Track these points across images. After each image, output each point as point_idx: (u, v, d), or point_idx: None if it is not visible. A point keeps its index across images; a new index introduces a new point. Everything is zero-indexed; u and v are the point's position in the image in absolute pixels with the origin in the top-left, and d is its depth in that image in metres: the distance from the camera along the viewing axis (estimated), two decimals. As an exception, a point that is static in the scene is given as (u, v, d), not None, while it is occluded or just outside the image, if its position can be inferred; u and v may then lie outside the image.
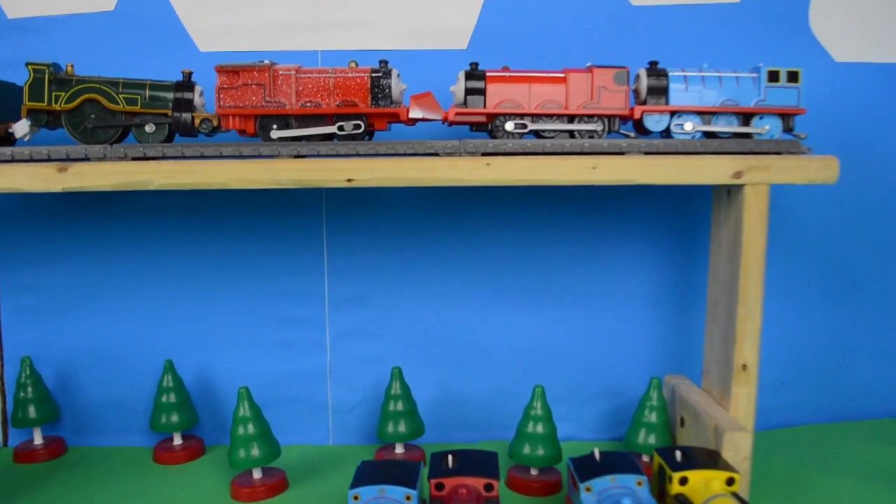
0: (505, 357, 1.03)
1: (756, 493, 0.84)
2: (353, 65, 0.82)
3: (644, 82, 0.83)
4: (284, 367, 1.02)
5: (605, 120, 0.82)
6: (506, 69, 0.83)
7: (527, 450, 0.87)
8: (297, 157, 0.81)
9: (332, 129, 0.81)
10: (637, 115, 0.82)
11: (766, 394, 1.04)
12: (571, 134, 0.83)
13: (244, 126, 0.82)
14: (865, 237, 1.04)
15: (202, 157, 0.81)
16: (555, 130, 0.82)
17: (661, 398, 0.92)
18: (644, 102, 0.83)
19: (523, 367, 1.02)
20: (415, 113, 0.82)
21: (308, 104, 0.80)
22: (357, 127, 0.80)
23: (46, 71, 0.80)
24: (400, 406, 0.94)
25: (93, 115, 0.81)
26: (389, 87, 0.81)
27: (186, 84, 0.83)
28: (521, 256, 1.02)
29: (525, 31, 0.97)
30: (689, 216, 1.00)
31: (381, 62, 0.82)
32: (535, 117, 0.82)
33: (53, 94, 0.80)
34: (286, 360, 1.02)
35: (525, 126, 0.81)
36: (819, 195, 1.02)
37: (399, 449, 0.96)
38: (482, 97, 0.82)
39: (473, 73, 0.83)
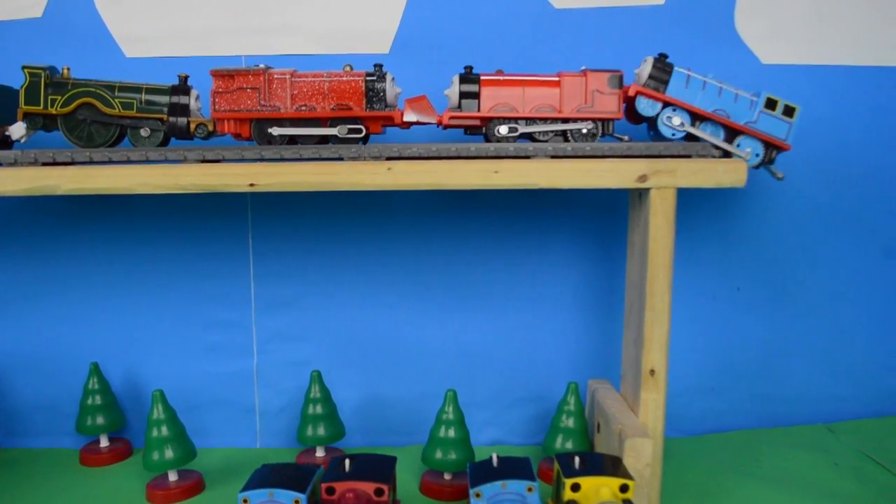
0: (431, 361, 1.02)
1: (666, 499, 0.83)
2: (347, 68, 0.82)
3: (648, 68, 0.82)
4: (212, 370, 1.02)
5: (599, 123, 0.82)
6: (500, 73, 0.83)
7: (439, 455, 0.87)
8: (202, 161, 0.81)
9: (333, 130, 0.81)
10: (631, 93, 0.82)
11: (697, 399, 1.04)
12: (565, 137, 0.82)
13: (239, 130, 0.82)
14: (796, 240, 1.02)
15: (110, 161, 0.82)
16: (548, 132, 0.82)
17: (578, 403, 0.91)
18: None
19: (450, 371, 1.02)
20: (409, 116, 0.81)
21: (303, 108, 0.80)
22: (356, 132, 0.80)
23: (42, 74, 0.80)
24: (319, 409, 0.94)
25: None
26: (384, 91, 0.81)
27: (182, 88, 0.83)
28: (447, 261, 1.01)
29: (448, 35, 0.97)
30: (613, 221, 0.99)
31: (375, 66, 0.81)
32: (530, 120, 0.82)
33: (49, 97, 0.80)
34: (213, 363, 1.02)
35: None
36: (749, 199, 1.01)
37: (320, 452, 0.96)
38: (476, 101, 0.82)
39: (468, 77, 0.82)
